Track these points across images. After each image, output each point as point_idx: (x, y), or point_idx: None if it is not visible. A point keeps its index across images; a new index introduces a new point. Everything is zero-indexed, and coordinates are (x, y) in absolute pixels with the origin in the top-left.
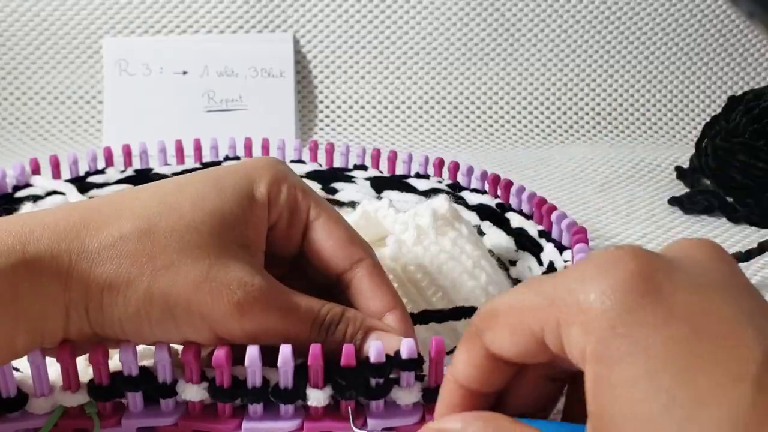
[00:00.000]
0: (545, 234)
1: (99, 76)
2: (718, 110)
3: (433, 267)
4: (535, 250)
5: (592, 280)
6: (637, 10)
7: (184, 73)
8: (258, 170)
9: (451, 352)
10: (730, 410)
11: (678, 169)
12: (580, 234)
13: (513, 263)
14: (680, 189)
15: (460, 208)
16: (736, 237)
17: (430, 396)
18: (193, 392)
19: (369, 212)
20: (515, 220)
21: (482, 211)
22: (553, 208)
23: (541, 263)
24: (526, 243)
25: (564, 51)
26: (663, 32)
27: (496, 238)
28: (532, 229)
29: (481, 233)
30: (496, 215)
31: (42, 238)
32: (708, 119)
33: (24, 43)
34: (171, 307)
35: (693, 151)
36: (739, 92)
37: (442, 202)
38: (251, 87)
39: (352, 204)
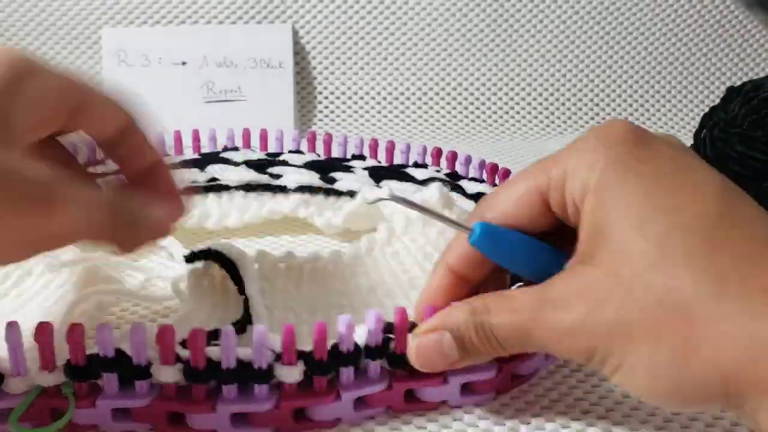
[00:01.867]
0: None
1: (98, 66)
2: (717, 101)
3: (419, 256)
4: None
5: (593, 136)
6: (636, 1)
7: (183, 63)
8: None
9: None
10: (702, 212)
11: None
12: None
13: None
14: None
15: (457, 196)
16: None
17: (396, 362)
18: (168, 374)
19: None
20: None
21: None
22: None
23: None
24: None
25: (562, 42)
26: (662, 22)
27: None
28: None
29: None
30: None
31: None
32: (706, 110)
33: (23, 33)
34: None
35: (691, 141)
36: (738, 83)
37: (433, 191)
38: (250, 78)
39: (351, 193)
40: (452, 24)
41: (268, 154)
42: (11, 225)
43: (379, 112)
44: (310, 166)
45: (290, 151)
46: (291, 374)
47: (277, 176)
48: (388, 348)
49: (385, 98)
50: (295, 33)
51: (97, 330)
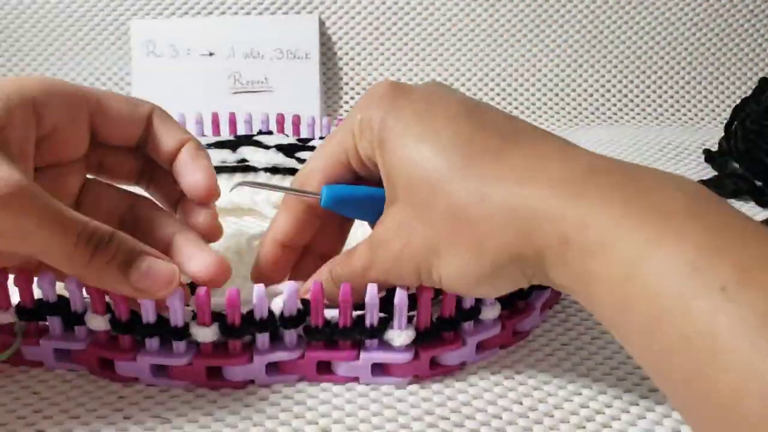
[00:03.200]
0: None
1: (127, 57)
2: (749, 92)
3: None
4: None
5: (365, 98)
6: None
7: (211, 54)
8: (23, 80)
9: None
10: (455, 132)
11: (706, 152)
12: None
13: None
14: (708, 172)
15: None
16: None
17: (311, 333)
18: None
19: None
20: None
21: None
22: None
23: None
24: None
25: (591, 32)
26: (693, 12)
27: None
28: None
29: None
30: None
31: None
32: (738, 101)
33: (53, 25)
34: None
35: (722, 133)
36: None
37: None
38: (277, 68)
39: None
40: (479, 14)
41: (299, 139)
42: None
43: None
44: None
45: (321, 138)
46: (204, 334)
47: (305, 161)
48: (303, 319)
49: None
50: (322, 23)
51: (39, 277)
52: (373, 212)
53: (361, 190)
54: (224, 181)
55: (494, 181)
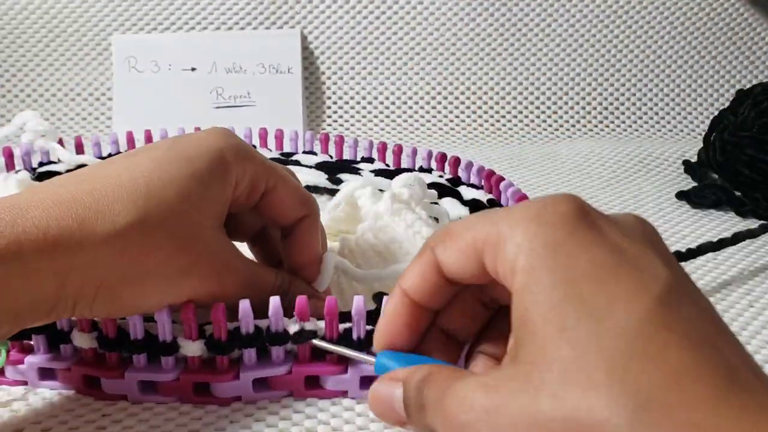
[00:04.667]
0: None
1: (108, 73)
2: (726, 104)
3: (386, 251)
4: None
5: (533, 207)
6: (645, 4)
7: (193, 69)
8: (226, 148)
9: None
10: (634, 317)
11: (686, 163)
12: None
13: None
14: (688, 183)
15: (450, 200)
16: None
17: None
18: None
19: (350, 197)
20: None
21: (474, 206)
22: None
23: None
24: None
25: (571, 45)
26: (671, 26)
27: None
28: None
29: None
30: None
31: (36, 241)
32: (716, 113)
33: (34, 40)
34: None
35: (701, 145)
36: (748, 86)
37: (401, 189)
38: (259, 83)
39: None
40: (461, 28)
41: (283, 154)
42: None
43: (387, 117)
44: (320, 166)
45: (304, 152)
46: (192, 349)
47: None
48: (289, 335)
49: (393, 102)
50: (304, 38)
51: None
52: None
53: (419, 359)
54: None
55: (659, 414)
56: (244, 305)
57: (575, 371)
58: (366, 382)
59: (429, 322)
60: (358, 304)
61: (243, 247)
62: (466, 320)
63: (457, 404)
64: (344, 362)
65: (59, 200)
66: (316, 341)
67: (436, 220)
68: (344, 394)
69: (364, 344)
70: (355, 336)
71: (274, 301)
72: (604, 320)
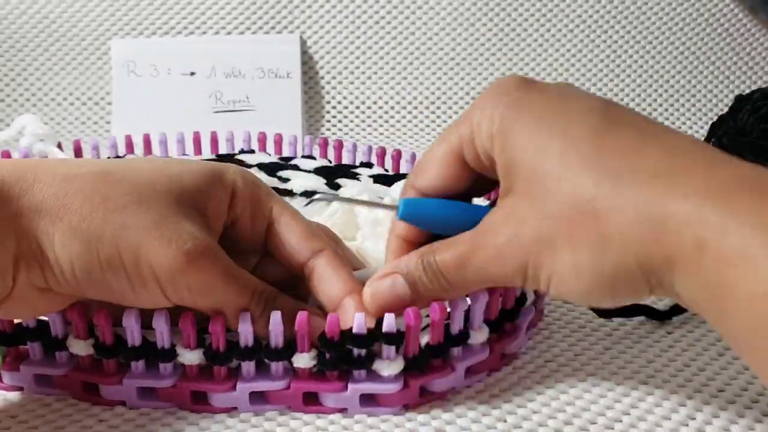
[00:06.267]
0: None
1: (107, 77)
2: (725, 110)
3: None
4: None
5: (489, 91)
6: (644, 9)
7: (192, 74)
8: (228, 167)
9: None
10: (589, 126)
11: None
12: None
13: None
14: None
15: None
16: None
17: (410, 365)
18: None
19: (345, 207)
20: None
21: None
22: None
23: None
24: None
25: (570, 50)
26: (669, 31)
27: None
28: None
29: None
30: None
31: None
32: (715, 119)
33: (33, 44)
34: (120, 250)
35: None
36: (747, 91)
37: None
38: (258, 88)
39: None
40: (460, 33)
41: (281, 158)
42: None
43: (387, 122)
44: (318, 171)
45: (303, 156)
46: (189, 357)
47: (286, 180)
48: (288, 351)
49: (393, 107)
50: (303, 43)
51: None
52: (453, 226)
53: (443, 205)
54: None
55: (628, 174)
56: (245, 317)
57: (562, 174)
58: (366, 399)
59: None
60: (359, 321)
61: None
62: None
63: (481, 244)
64: (344, 379)
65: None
66: (317, 197)
67: None
68: (343, 411)
69: (365, 363)
70: (356, 354)
71: (275, 317)
72: (569, 134)
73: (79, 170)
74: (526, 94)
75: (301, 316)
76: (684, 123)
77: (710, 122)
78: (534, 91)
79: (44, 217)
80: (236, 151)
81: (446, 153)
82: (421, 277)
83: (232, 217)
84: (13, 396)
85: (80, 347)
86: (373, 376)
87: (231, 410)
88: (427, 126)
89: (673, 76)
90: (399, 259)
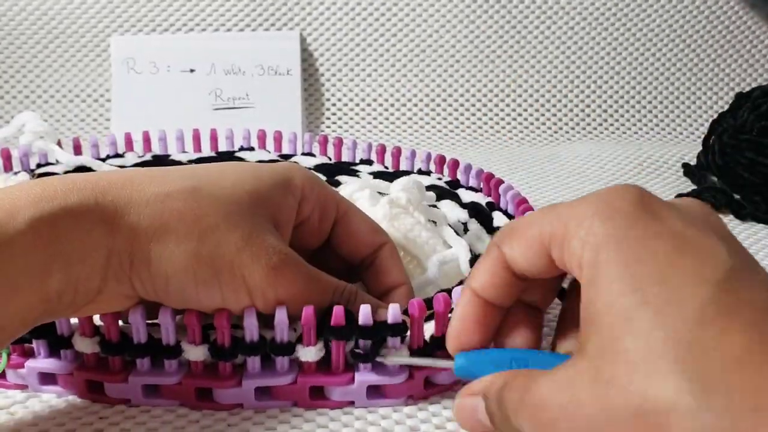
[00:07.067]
0: None
1: (107, 74)
2: (726, 107)
3: None
4: None
5: (595, 202)
6: (644, 7)
7: (192, 71)
8: (294, 170)
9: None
10: (695, 306)
11: (685, 166)
12: None
13: None
14: (687, 186)
15: (450, 204)
16: (744, 234)
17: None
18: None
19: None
20: (498, 219)
21: (473, 209)
22: (530, 209)
23: None
24: None
25: (570, 48)
26: (670, 28)
27: (477, 236)
28: None
29: (466, 230)
30: (483, 213)
31: (85, 189)
32: (715, 116)
33: (33, 41)
34: (217, 267)
35: (700, 148)
36: (747, 89)
37: (399, 193)
38: (258, 85)
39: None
40: (460, 30)
41: (281, 155)
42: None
43: (386, 119)
44: (318, 168)
45: (303, 154)
46: (194, 353)
47: None
48: (293, 346)
49: (393, 104)
50: (303, 40)
51: None
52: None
53: (500, 352)
54: None
55: (722, 398)
56: (249, 313)
57: (641, 362)
58: (372, 391)
59: (499, 320)
60: (365, 313)
61: None
62: (544, 291)
63: (535, 406)
64: (351, 372)
65: (113, 170)
66: (392, 358)
67: (435, 223)
68: (350, 404)
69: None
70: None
71: (280, 313)
72: (666, 310)
73: (169, 188)
74: (636, 227)
75: (307, 310)
76: (684, 120)
77: (710, 120)
78: (648, 225)
79: (140, 237)
80: (236, 149)
81: (535, 241)
82: (494, 410)
83: (300, 219)
84: (18, 394)
85: (86, 345)
86: (379, 368)
87: (236, 407)
88: (427, 123)
89: (674, 74)
90: (492, 379)
